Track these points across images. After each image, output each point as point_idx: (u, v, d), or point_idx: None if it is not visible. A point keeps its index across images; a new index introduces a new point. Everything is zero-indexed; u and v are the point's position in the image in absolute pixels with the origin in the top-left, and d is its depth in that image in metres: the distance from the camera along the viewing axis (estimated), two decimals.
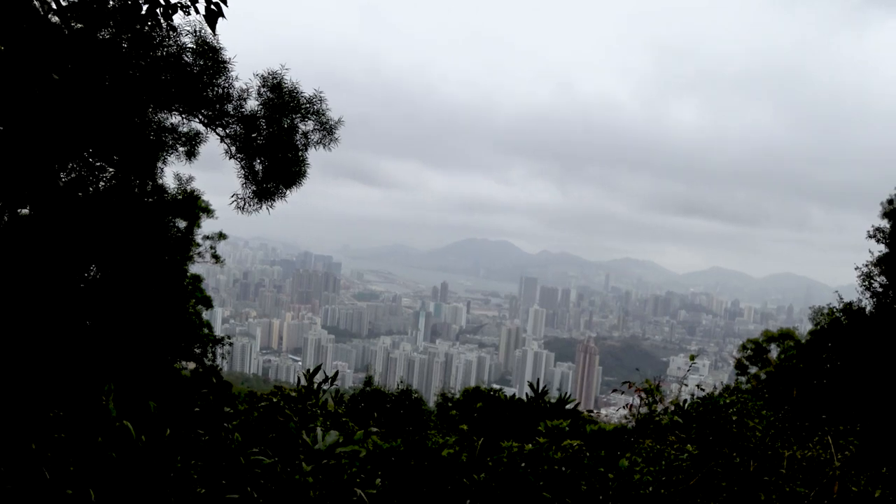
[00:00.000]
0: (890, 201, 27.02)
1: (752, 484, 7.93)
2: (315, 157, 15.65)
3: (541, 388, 12.56)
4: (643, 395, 9.31)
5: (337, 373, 8.13)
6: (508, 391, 26.26)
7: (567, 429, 8.26)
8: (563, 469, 7.13)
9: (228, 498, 5.48)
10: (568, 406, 12.20)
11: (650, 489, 7.22)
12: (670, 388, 11.14)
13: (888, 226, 26.97)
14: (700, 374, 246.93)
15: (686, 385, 10.34)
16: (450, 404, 26.64)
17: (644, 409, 10.28)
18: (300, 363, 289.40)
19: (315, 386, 8.12)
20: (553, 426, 8.06)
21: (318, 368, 8.18)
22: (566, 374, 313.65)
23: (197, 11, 7.61)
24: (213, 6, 7.29)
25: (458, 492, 7.66)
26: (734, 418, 8.99)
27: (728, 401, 9.43)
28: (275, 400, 9.65)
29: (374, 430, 8.75)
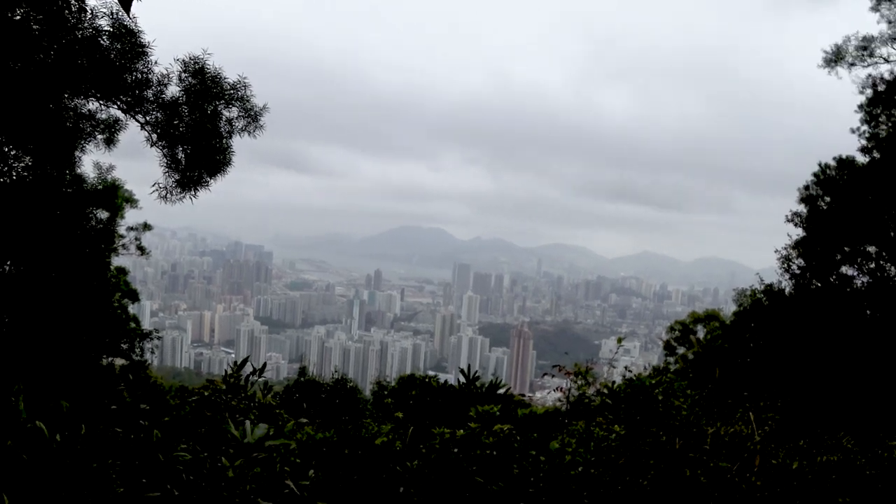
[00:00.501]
0: (806, 187, 28.19)
1: (678, 461, 8.14)
2: (244, 144, 15.31)
3: (472, 373, 12.60)
4: (573, 378, 9.43)
5: (265, 364, 7.99)
6: (444, 377, 26.39)
7: (498, 413, 8.31)
8: (494, 453, 7.16)
9: (149, 496, 5.31)
10: (499, 391, 12.29)
11: (580, 469, 7.33)
12: (602, 371, 11.33)
13: (805, 210, 28.16)
14: (631, 356, 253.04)
15: (615, 367, 10.53)
16: (385, 392, 26.58)
17: (576, 392, 10.44)
18: (233, 355, 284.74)
19: (243, 379, 7.95)
20: (484, 411, 8.10)
21: (245, 360, 7.99)
22: (501, 359, 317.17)
23: None
24: None
25: (392, 480, 7.63)
26: (660, 398, 9.20)
27: (654, 382, 9.65)
28: (206, 394, 9.43)
29: (305, 421, 8.62)
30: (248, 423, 5.73)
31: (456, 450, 7.38)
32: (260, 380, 9.54)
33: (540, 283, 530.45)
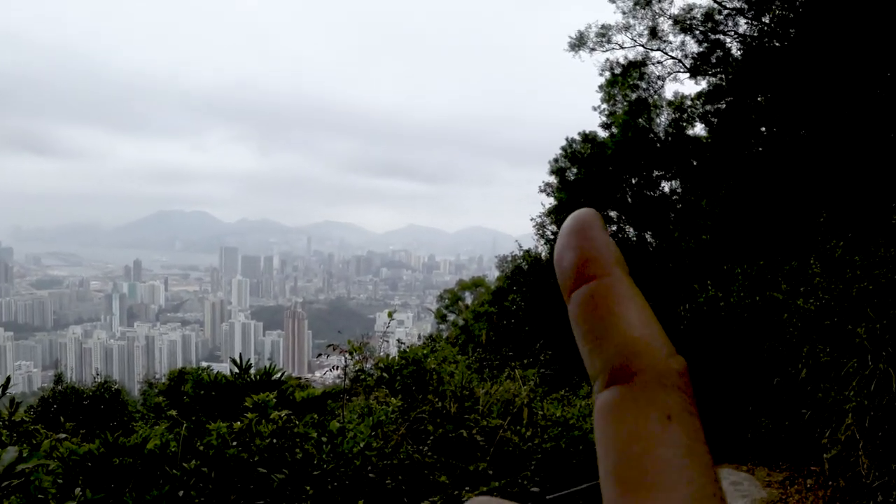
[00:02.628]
0: (556, 160, 30.67)
1: (455, 423, 8.56)
2: None
3: (245, 362, 12.30)
4: (347, 356, 9.57)
5: (9, 378, 7.21)
6: (218, 367, 25.38)
7: (274, 400, 8.19)
8: (274, 441, 7.08)
9: None
10: (275, 377, 12.11)
11: (362, 444, 7.46)
12: (378, 344, 11.55)
13: (556, 181, 30.62)
14: (405, 327, 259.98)
15: (388, 341, 10.81)
16: (156, 391, 25.14)
17: (354, 368, 10.58)
18: None
19: None
20: (259, 400, 7.95)
21: None
22: (276, 342, 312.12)
23: None
24: None
25: (171, 484, 7.27)
26: (433, 367, 9.62)
27: (426, 352, 10.06)
28: None
29: (64, 436, 7.92)
30: None
31: (234, 443, 7.19)
32: (6, 395, 8.61)
33: (311, 262, 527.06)
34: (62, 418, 22.44)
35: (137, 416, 21.56)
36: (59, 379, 25.35)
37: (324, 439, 7.57)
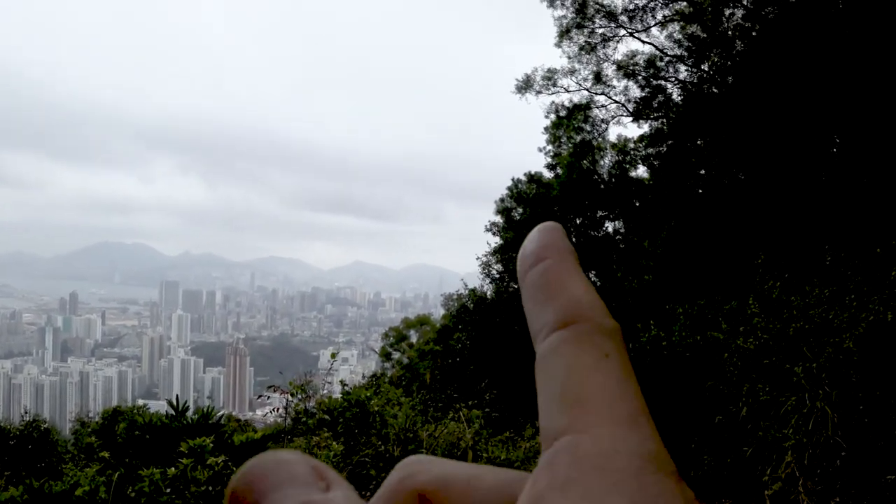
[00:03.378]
0: (502, 199, 31.03)
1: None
2: None
3: (182, 404, 11.94)
4: (289, 397, 9.37)
5: None
6: (156, 406, 24.59)
7: (211, 445, 7.92)
8: (210, 489, 6.82)
9: None
10: (213, 419, 11.77)
11: None
12: (323, 382, 11.37)
13: (501, 221, 30.93)
14: (349, 364, 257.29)
15: (330, 382, 10.62)
16: (88, 430, 24.20)
17: (299, 407, 10.37)
18: None
19: None
20: (195, 445, 7.68)
21: None
22: (217, 380, 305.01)
23: None
24: None
25: None
26: (376, 409, 9.45)
27: (369, 394, 9.89)
28: None
29: None
30: None
31: (168, 490, 6.91)
32: None
33: (254, 298, 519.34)
34: None
35: (68, 457, 20.66)
36: None
37: None
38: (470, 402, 11.99)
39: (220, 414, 12.43)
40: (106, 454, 13.33)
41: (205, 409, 12.00)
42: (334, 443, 8.89)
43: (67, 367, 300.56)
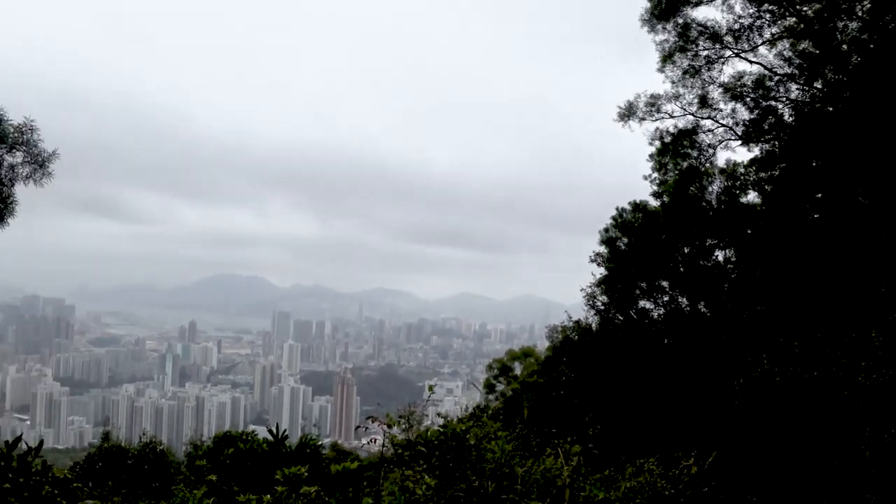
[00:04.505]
0: (606, 230, 30.36)
1: None
2: (42, 189, 13.85)
3: (282, 432, 12.11)
4: (386, 428, 9.33)
5: (41, 443, 7.14)
6: (263, 432, 25.35)
7: (305, 474, 7.95)
8: None
9: None
10: (313, 445, 11.88)
11: None
12: (427, 413, 11.31)
13: (606, 251, 30.25)
14: (454, 396, 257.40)
15: (427, 414, 10.51)
16: (200, 454, 25.08)
17: (394, 442, 10.33)
18: (28, 422, 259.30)
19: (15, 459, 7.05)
20: (290, 474, 7.73)
21: (17, 440, 7.07)
22: (325, 408, 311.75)
23: None
24: None
25: None
26: (472, 443, 9.26)
27: (466, 426, 9.71)
28: None
29: (90, 502, 7.81)
30: None
31: None
32: (47, 447, 8.54)
33: (362, 329, 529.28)
34: (109, 476, 22.52)
35: (180, 478, 21.48)
36: (106, 436, 25.53)
37: None
38: (570, 438, 11.60)
39: (321, 442, 12.58)
40: (213, 477, 13.66)
41: (303, 438, 12.15)
42: (427, 476, 8.75)
43: (185, 391, 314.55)
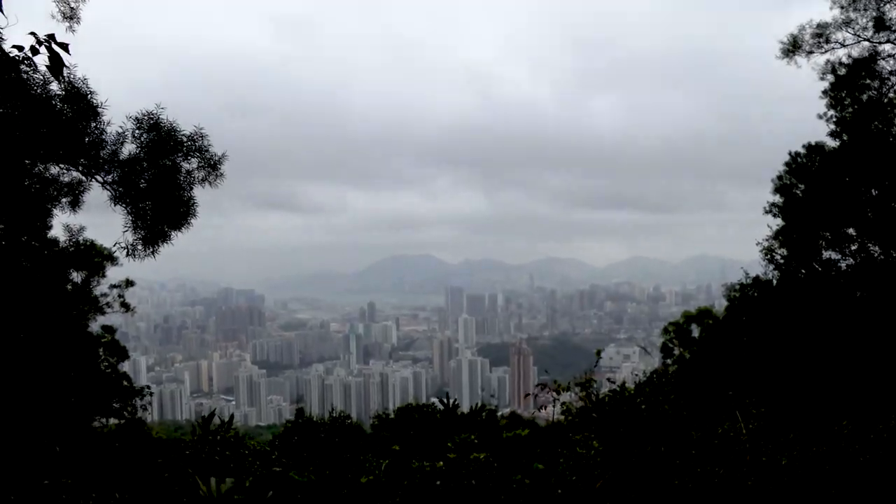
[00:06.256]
0: (780, 177, 28.29)
1: (664, 469, 8.03)
2: (227, 188, 15.14)
3: (452, 401, 12.53)
4: (556, 395, 9.39)
5: (232, 416, 7.85)
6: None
7: (476, 441, 8.20)
8: (474, 482, 7.06)
9: None
10: (491, 411, 12.20)
11: (559, 491, 7.21)
12: (603, 379, 11.31)
13: (781, 200, 28.28)
14: (632, 361, 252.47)
15: (596, 381, 10.45)
16: (384, 425, 26.51)
17: (565, 408, 10.38)
18: (233, 402, 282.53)
19: (210, 432, 7.84)
20: (462, 440, 8.00)
21: (212, 415, 7.86)
22: (502, 378, 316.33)
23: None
24: (54, 56, 6.85)
25: None
26: (643, 407, 9.11)
27: (633, 391, 9.57)
28: (187, 452, 9.26)
29: (279, 469, 8.50)
30: (212, 479, 5.60)
31: (438, 482, 7.26)
32: (251, 425, 9.38)
33: (534, 299, 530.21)
34: (304, 447, 24.27)
35: (368, 448, 22.87)
36: (300, 413, 27.60)
37: (527, 481, 7.44)
38: (750, 400, 11.15)
39: (491, 409, 12.88)
40: (397, 447, 14.34)
41: (474, 406, 12.51)
42: (595, 441, 8.74)
43: (369, 369, 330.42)
